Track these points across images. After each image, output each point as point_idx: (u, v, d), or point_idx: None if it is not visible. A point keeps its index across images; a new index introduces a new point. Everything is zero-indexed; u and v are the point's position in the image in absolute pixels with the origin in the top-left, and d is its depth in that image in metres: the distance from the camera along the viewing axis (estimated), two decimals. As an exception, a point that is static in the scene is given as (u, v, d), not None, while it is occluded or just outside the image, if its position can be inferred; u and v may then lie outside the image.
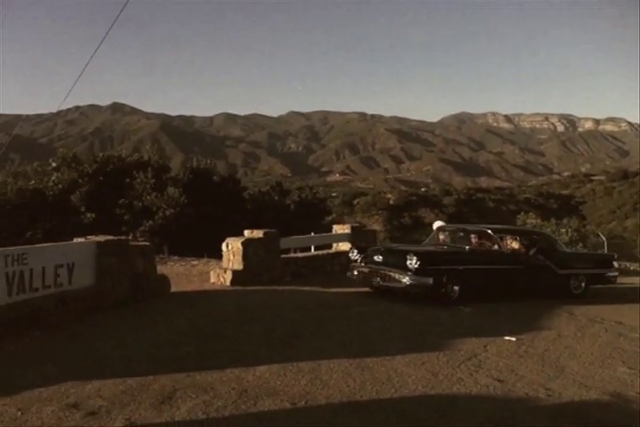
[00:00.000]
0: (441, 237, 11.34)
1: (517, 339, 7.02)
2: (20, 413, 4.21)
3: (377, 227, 29.15)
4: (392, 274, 9.33)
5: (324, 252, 13.69)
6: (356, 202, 66.67)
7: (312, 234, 15.28)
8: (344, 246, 13.59)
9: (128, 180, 21.74)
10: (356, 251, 10.59)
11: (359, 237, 13.76)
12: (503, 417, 4.49)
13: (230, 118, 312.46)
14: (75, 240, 8.32)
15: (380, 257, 9.82)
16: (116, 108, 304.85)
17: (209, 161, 26.06)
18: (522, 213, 36.78)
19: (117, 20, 9.44)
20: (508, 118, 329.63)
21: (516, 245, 10.79)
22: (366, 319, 7.87)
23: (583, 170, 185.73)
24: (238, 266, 10.77)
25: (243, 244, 10.80)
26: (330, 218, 28.23)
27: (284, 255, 12.31)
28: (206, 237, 17.83)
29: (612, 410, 4.82)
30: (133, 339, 6.43)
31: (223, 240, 11.42)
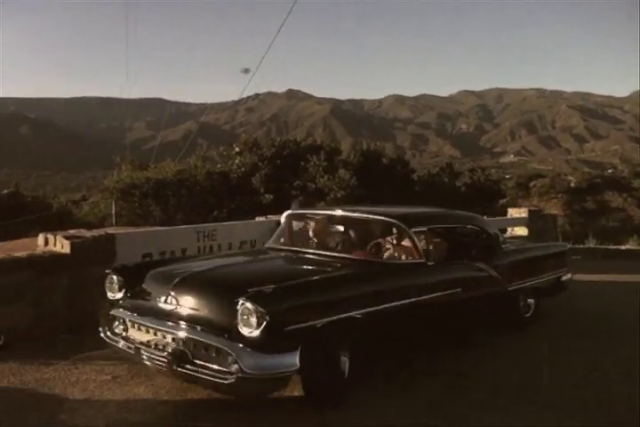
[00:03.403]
0: (297, 236, 5.91)
1: None
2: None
3: (556, 211, 27.31)
4: (201, 348, 4.02)
5: (498, 236, 13.16)
6: (532, 184, 62.80)
7: (484, 217, 14.87)
8: (520, 231, 12.97)
9: (302, 163, 22.76)
10: (116, 279, 4.80)
11: (537, 222, 13.03)
12: None
13: (399, 100, 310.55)
14: (257, 219, 8.95)
15: (173, 299, 4.30)
16: (291, 94, 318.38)
17: (378, 143, 26.28)
18: None
19: (291, 11, 9.80)
20: None
21: (442, 246, 5.64)
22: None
23: None
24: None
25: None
26: (503, 201, 27.05)
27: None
28: (376, 219, 18.07)
29: None
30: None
31: (393, 222, 11.41)
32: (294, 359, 3.88)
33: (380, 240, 5.38)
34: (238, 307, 3.87)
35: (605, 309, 7.64)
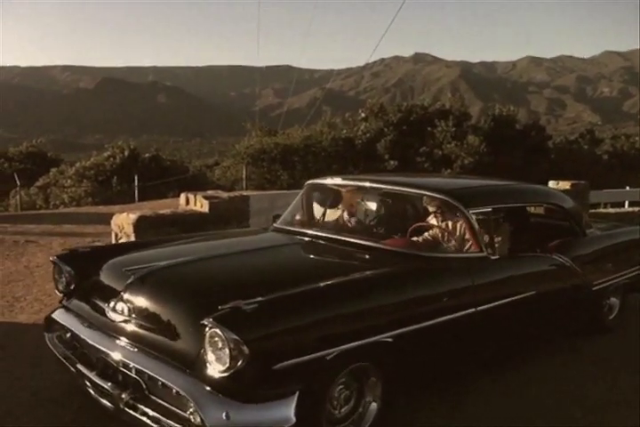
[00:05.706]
0: (316, 216, 4.48)
1: None
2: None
3: None
4: (158, 383, 2.63)
5: (642, 208, 12.21)
6: (683, 154, 57.10)
7: (627, 188, 13.96)
8: (669, 203, 11.94)
9: (429, 128, 22.28)
10: (64, 269, 3.50)
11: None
12: None
13: (535, 62, 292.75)
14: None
15: (125, 307, 2.97)
16: (418, 58, 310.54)
17: (512, 108, 25.05)
18: None
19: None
20: None
21: (508, 233, 4.22)
22: None
23: None
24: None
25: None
26: (650, 171, 24.95)
27: (592, 210, 11.36)
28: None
29: None
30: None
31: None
32: (288, 412, 2.48)
33: (423, 224, 3.96)
34: (206, 331, 2.52)
35: None
